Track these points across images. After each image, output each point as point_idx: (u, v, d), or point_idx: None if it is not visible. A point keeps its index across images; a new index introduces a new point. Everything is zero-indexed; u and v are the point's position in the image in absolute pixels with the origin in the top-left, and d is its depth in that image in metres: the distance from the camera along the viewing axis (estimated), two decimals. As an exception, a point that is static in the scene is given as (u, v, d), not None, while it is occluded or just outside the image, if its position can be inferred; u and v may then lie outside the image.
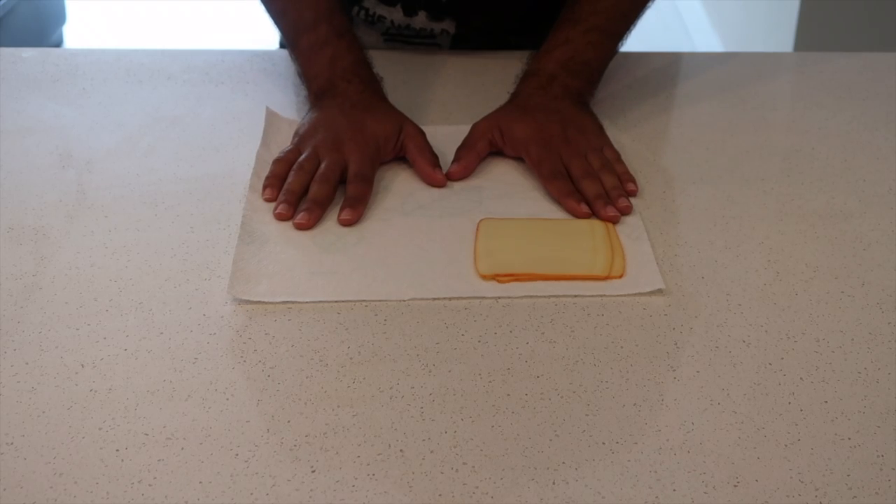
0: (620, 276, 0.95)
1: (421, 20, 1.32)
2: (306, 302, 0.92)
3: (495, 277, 0.94)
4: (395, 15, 1.32)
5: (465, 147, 1.11)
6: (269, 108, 1.20)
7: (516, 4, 1.33)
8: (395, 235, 1.01)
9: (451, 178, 1.09)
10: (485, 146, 1.11)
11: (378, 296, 0.93)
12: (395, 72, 1.29)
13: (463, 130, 1.14)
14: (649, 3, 1.23)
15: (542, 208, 1.05)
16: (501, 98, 1.18)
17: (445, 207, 1.05)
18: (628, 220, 1.02)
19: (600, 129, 1.14)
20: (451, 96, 1.27)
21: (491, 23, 1.34)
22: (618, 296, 0.93)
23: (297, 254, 0.98)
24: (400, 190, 1.08)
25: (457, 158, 1.10)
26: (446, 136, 1.15)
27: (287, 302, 0.92)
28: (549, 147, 1.09)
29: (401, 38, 1.35)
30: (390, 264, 0.97)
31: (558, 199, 1.05)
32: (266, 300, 0.92)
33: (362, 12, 1.34)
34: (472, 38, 1.34)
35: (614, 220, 1.02)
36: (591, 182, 1.05)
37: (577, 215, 1.03)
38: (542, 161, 1.08)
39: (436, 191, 1.07)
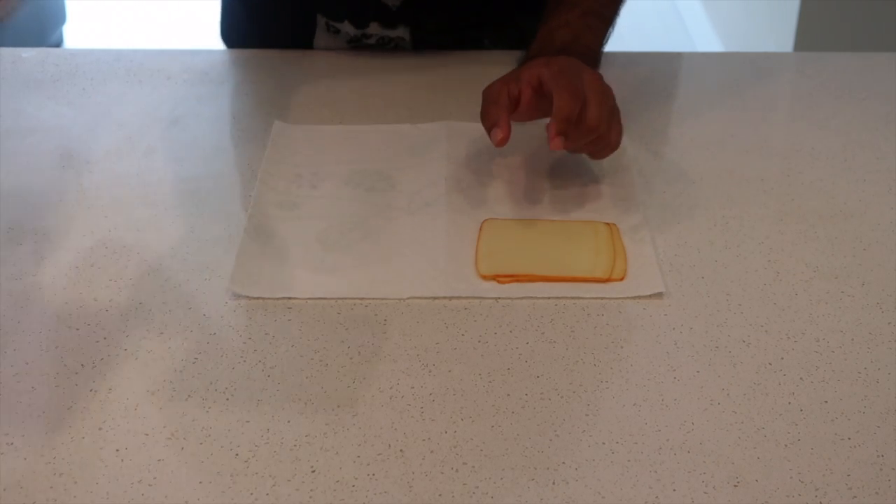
0: (621, 279, 0.95)
1: (375, 29, 1.32)
2: (306, 299, 0.92)
3: (495, 278, 0.94)
4: (347, 28, 1.32)
5: (489, 107, 1.03)
6: (278, 122, 1.19)
7: (467, 4, 1.33)
8: (398, 234, 1.01)
9: (499, 145, 1.00)
10: (506, 99, 1.02)
11: (378, 294, 0.93)
12: (358, 74, 1.29)
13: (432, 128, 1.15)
14: None
15: (548, 210, 1.05)
16: (469, 95, 1.18)
17: (451, 206, 1.05)
18: (632, 222, 1.02)
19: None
20: (415, 95, 1.27)
21: (445, 24, 1.34)
22: (618, 298, 0.93)
23: (301, 251, 0.99)
24: (407, 188, 1.08)
25: (490, 124, 1.02)
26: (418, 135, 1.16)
27: (287, 300, 0.92)
28: (571, 69, 1.02)
29: (362, 45, 1.35)
30: (392, 263, 0.97)
31: (555, 112, 0.98)
32: (266, 296, 0.92)
33: (323, 20, 1.33)
34: (431, 40, 1.34)
35: (554, 146, 0.97)
36: (600, 106, 1.00)
37: (550, 141, 0.97)
38: (562, 73, 1.01)
39: (442, 189, 1.07)
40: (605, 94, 1.02)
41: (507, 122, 1.01)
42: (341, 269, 0.96)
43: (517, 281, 0.94)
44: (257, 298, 0.92)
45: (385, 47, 1.34)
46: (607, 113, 1.01)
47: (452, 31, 1.34)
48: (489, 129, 1.02)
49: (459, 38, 1.35)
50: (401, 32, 1.32)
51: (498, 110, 1.02)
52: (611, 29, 1.20)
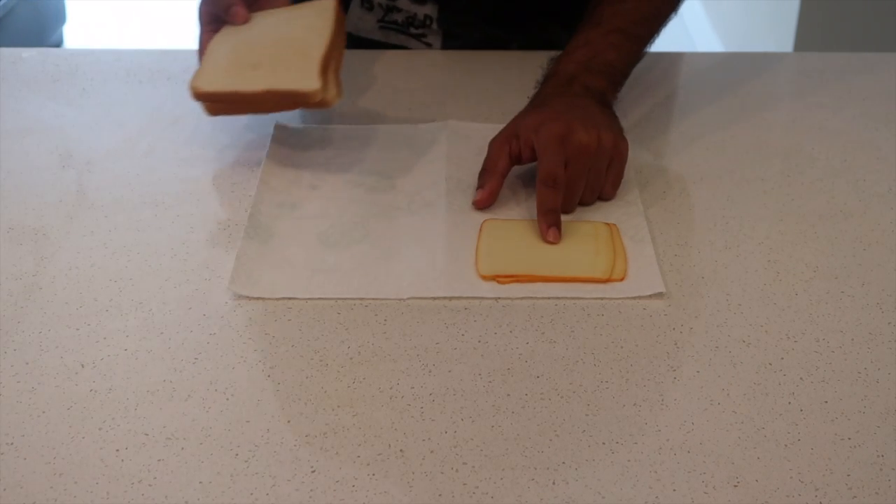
0: (622, 279, 0.95)
1: (404, 4, 1.32)
2: (306, 299, 0.92)
3: (495, 278, 0.94)
4: None
5: (486, 171, 1.06)
6: (278, 123, 1.19)
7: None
8: (399, 234, 1.01)
9: (477, 207, 1.05)
10: (505, 163, 1.05)
11: (378, 294, 0.93)
12: (359, 74, 1.29)
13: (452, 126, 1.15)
14: (674, 10, 1.20)
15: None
16: (469, 96, 1.17)
17: (451, 206, 1.05)
18: (632, 222, 1.02)
19: (619, 132, 1.07)
20: (415, 96, 1.27)
21: (472, 8, 1.34)
22: (618, 298, 0.93)
23: (301, 251, 0.99)
24: (407, 188, 1.08)
25: (480, 184, 1.06)
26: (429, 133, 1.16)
27: (287, 300, 0.92)
28: (557, 139, 1.02)
29: (394, 27, 1.35)
30: (392, 263, 0.97)
31: (539, 206, 1.02)
32: (266, 296, 0.92)
33: None
34: (459, 36, 1.34)
35: (553, 239, 1.00)
36: (572, 194, 1.03)
37: (543, 237, 1.01)
38: (546, 146, 1.03)
39: (442, 189, 1.07)
40: (585, 162, 1.02)
41: (493, 192, 1.05)
42: (341, 269, 0.96)
43: (517, 281, 0.94)
44: (257, 298, 0.92)
45: (413, 28, 1.34)
46: (574, 180, 1.03)
47: (477, 25, 1.34)
48: (479, 188, 1.06)
49: (486, 35, 1.35)
50: (428, 10, 1.32)
51: (493, 178, 1.05)
52: (644, 48, 1.19)
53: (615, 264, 0.96)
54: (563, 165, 1.02)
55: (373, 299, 0.93)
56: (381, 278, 0.95)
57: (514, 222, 1.02)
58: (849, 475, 0.76)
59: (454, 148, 1.13)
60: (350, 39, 1.35)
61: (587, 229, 1.01)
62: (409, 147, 1.15)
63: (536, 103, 1.11)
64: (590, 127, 1.03)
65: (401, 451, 0.78)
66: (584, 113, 1.05)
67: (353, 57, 1.33)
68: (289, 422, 0.80)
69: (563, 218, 1.02)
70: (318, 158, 1.13)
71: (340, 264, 0.97)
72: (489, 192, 1.05)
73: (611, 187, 1.06)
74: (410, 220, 1.03)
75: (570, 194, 1.03)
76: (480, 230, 1.01)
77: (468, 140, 1.14)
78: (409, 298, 0.93)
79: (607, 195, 1.06)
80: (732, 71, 1.35)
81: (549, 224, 1.00)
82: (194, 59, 1.36)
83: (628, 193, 1.07)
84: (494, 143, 1.07)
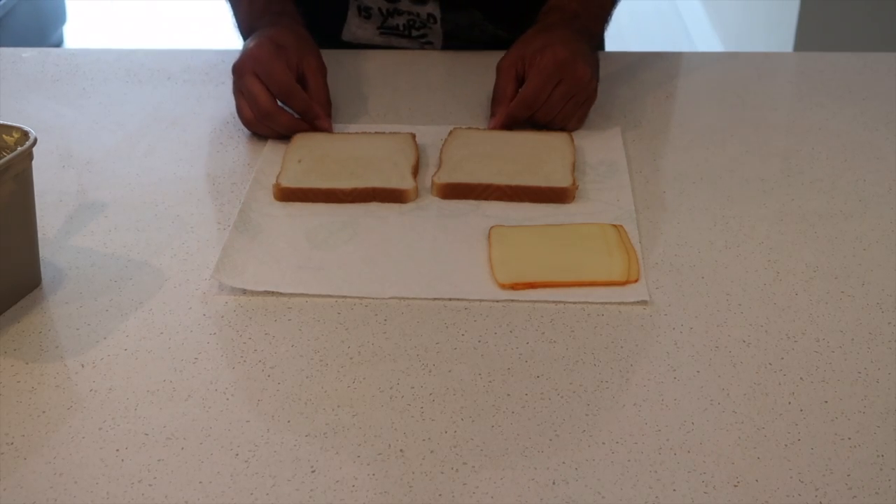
0: (636, 281, 0.94)
1: (405, 5, 1.32)
2: (307, 297, 0.92)
3: (513, 286, 0.94)
4: (380, 2, 1.32)
5: (496, 99, 1.18)
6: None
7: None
8: (388, 234, 1.01)
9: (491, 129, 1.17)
10: (513, 88, 1.16)
11: (360, 293, 0.93)
12: (390, 72, 1.29)
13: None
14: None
15: (541, 212, 1.05)
16: (469, 98, 1.19)
17: (443, 209, 1.05)
18: (627, 227, 1.02)
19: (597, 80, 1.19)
20: (415, 97, 1.27)
21: (474, 6, 1.34)
22: (638, 302, 0.92)
23: (288, 247, 0.99)
24: None
25: (492, 113, 1.17)
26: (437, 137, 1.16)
27: (288, 297, 0.92)
28: (558, 65, 1.13)
29: (395, 33, 1.35)
30: (378, 263, 0.97)
31: (510, 109, 1.15)
32: (248, 288, 0.93)
33: (355, 5, 1.34)
34: (461, 35, 1.34)
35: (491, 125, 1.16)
36: (550, 111, 1.15)
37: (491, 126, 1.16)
38: (541, 72, 1.13)
39: (435, 191, 1.07)
40: (574, 90, 1.14)
41: (503, 115, 1.16)
42: (326, 267, 0.96)
43: (532, 287, 0.94)
44: (249, 292, 0.92)
45: (414, 30, 1.34)
46: (556, 99, 1.14)
47: (482, 22, 1.34)
48: (491, 116, 1.18)
49: (488, 34, 1.35)
50: (430, 8, 1.32)
51: (502, 105, 1.16)
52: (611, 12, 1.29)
53: (630, 266, 0.96)
54: (549, 91, 1.13)
55: (371, 298, 0.93)
56: (365, 277, 0.95)
57: (521, 228, 1.02)
58: (849, 475, 0.76)
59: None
60: (350, 48, 1.36)
61: (595, 231, 1.01)
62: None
63: (542, 28, 1.20)
64: (587, 64, 1.15)
65: (401, 451, 0.78)
66: (585, 50, 1.17)
67: (354, 57, 1.34)
68: (289, 422, 0.80)
69: (569, 221, 1.02)
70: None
71: (326, 262, 0.97)
72: (499, 119, 1.16)
73: (577, 121, 1.18)
74: (400, 220, 1.03)
75: (548, 110, 1.15)
76: (489, 238, 1.00)
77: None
78: (390, 298, 0.92)
79: (573, 127, 1.17)
80: (732, 71, 1.35)
81: (503, 127, 1.15)
82: (194, 58, 1.36)
83: (623, 196, 1.07)
84: (502, 68, 1.18)
